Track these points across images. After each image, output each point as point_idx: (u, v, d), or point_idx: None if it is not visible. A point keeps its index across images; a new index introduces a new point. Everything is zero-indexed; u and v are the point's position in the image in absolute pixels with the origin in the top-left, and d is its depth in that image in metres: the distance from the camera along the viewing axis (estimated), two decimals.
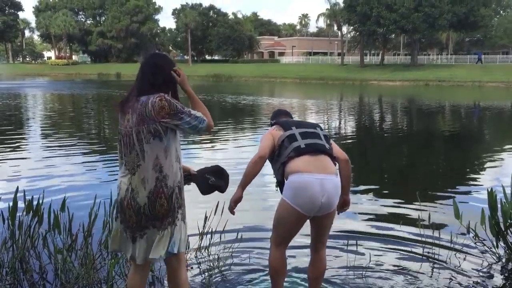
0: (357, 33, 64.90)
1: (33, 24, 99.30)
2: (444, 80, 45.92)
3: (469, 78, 45.77)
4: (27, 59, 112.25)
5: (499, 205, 4.41)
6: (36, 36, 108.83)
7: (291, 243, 3.53)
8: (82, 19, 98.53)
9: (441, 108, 25.25)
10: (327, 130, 13.03)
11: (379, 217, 6.05)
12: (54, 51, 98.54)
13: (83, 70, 79.80)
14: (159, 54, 3.10)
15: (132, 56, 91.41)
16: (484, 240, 4.64)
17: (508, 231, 4.39)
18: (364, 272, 4.31)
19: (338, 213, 3.61)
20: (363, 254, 4.74)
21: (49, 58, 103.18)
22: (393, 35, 64.98)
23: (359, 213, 6.18)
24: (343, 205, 3.61)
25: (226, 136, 13.60)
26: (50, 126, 16.47)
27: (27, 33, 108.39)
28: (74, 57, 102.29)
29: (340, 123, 18.40)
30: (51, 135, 14.06)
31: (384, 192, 7.49)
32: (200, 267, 4.39)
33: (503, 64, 54.51)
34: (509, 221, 4.32)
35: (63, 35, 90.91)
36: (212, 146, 11.88)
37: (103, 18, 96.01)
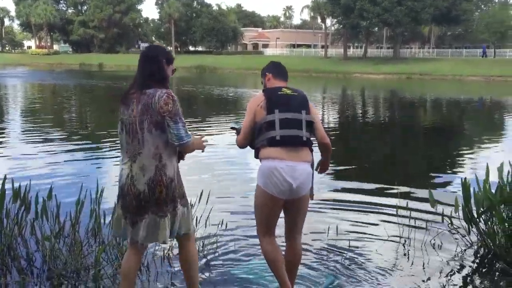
0: (341, 26, 65.19)
1: (13, 13, 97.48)
2: (426, 73, 46.50)
3: (451, 71, 46.43)
4: (7, 48, 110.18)
5: (472, 194, 4.61)
6: (16, 25, 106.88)
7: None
8: (63, 8, 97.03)
9: (423, 101, 25.64)
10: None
11: (357, 205, 6.26)
12: (35, 41, 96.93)
13: (65, 60, 78.73)
14: (155, 46, 3.23)
15: (115, 46, 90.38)
16: (458, 228, 4.84)
17: (481, 218, 4.60)
18: (342, 257, 4.49)
19: (319, 172, 3.70)
20: (341, 239, 4.93)
21: (29, 47, 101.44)
22: (376, 28, 65.42)
23: (339, 200, 6.38)
24: (322, 166, 3.66)
25: (212, 129, 13.69)
26: (33, 117, 16.34)
27: (6, 22, 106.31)
28: (55, 47, 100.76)
29: (323, 115, 18.60)
30: (35, 125, 13.98)
31: (364, 180, 7.70)
32: None
33: (484, 58, 55.34)
34: (481, 209, 4.52)
35: (44, 24, 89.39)
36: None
37: (85, 7, 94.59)
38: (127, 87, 3.15)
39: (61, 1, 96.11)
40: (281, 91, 3.46)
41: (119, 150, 3.22)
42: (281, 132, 3.30)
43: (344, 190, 7.04)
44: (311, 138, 3.41)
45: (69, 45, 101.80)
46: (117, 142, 11.03)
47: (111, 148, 9.88)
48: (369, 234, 5.16)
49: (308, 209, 3.58)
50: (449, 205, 5.06)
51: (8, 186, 4.33)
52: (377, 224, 5.47)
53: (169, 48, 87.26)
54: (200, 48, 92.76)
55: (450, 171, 8.75)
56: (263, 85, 3.66)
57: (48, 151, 9.59)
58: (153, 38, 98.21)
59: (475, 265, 4.46)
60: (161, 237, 3.06)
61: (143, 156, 3.00)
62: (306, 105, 3.43)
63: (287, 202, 3.37)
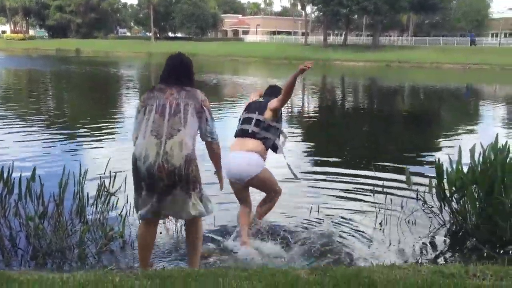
0: (321, 13, 65.25)
1: None
2: (405, 61, 46.98)
3: (428, 59, 46.99)
4: None
5: (445, 175, 4.80)
6: None
7: None
8: None
9: (401, 88, 26.01)
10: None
11: (336, 184, 6.50)
12: (10, 25, 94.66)
13: (41, 45, 77.10)
14: (187, 56, 3.63)
15: (92, 31, 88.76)
16: (432, 207, 5.04)
17: (453, 197, 4.79)
18: (321, 236, 4.65)
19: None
20: (321, 219, 5.10)
21: (3, 32, 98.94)
22: (356, 16, 65.67)
23: (319, 180, 6.56)
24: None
25: None
26: (12, 102, 16.09)
27: None
28: (31, 32, 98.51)
29: (303, 101, 18.75)
30: (14, 111, 13.79)
31: (342, 162, 7.90)
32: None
33: (460, 46, 56.12)
34: (453, 188, 4.72)
35: (19, 8, 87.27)
36: None
37: None
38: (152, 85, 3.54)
39: None
40: (257, 100, 4.62)
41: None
42: (240, 126, 4.46)
43: (322, 171, 7.20)
44: (263, 132, 4.32)
45: (45, 30, 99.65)
46: (97, 126, 11.17)
47: (92, 132, 9.87)
48: (346, 213, 5.35)
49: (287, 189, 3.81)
50: (424, 185, 5.25)
51: None
52: (354, 204, 5.67)
53: (147, 34, 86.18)
54: (179, 35, 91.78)
55: (426, 154, 8.99)
56: None
57: (29, 136, 9.53)
58: (132, 24, 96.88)
59: (447, 241, 4.68)
60: (185, 214, 3.33)
61: (184, 133, 3.27)
62: (262, 109, 4.39)
63: (247, 184, 4.37)
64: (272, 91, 4.74)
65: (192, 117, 3.33)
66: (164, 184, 3.22)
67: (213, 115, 3.47)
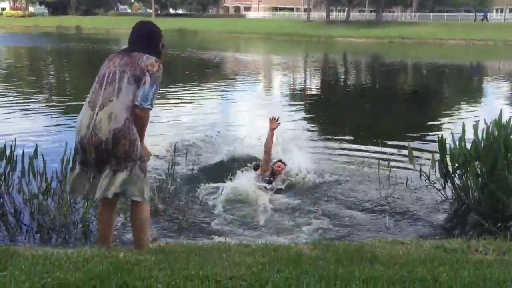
0: None
1: None
2: (408, 37, 46.49)
3: (432, 35, 46.48)
4: None
5: (448, 151, 4.79)
6: None
7: None
8: None
9: (404, 65, 25.80)
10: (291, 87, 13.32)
11: (339, 160, 6.54)
12: (9, 2, 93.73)
13: (41, 22, 76.34)
14: (145, 23, 3.33)
15: (92, 8, 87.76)
16: (434, 182, 5.04)
17: (456, 173, 4.79)
18: (321, 212, 4.67)
19: None
20: (329, 196, 5.12)
21: (3, 9, 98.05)
22: None
23: (325, 159, 6.56)
24: None
25: (194, 95, 13.67)
26: (12, 80, 16.03)
27: None
28: (31, 9, 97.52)
29: (305, 79, 18.64)
30: (15, 88, 13.75)
31: (345, 138, 7.90)
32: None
33: (463, 22, 55.45)
34: (456, 164, 4.71)
35: None
36: (181, 106, 11.97)
37: None
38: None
39: None
40: None
41: None
42: None
43: (327, 148, 7.20)
44: None
45: (45, 7, 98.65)
46: None
47: None
48: (349, 188, 5.37)
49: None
50: (427, 160, 5.25)
51: None
52: (357, 180, 5.67)
53: (148, 10, 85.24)
54: (180, 11, 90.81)
55: (430, 131, 8.97)
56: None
57: (31, 113, 9.53)
58: (132, 0, 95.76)
59: (450, 217, 4.70)
60: (107, 191, 3.01)
61: (114, 104, 2.96)
62: None
63: None
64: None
65: (129, 84, 2.99)
66: (93, 158, 3.00)
67: (157, 82, 3.02)
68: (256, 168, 5.80)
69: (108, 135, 2.93)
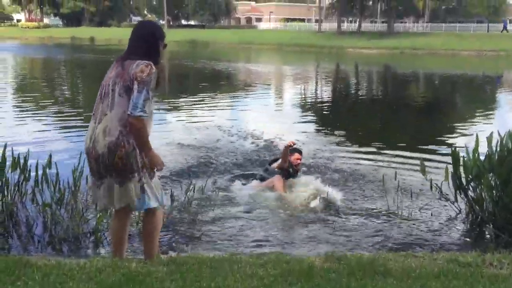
0: (335, 0, 64.57)
1: None
2: (419, 48, 46.35)
3: (444, 46, 46.30)
4: None
5: (461, 163, 4.74)
6: None
7: None
8: None
9: (416, 76, 25.70)
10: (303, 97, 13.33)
11: (350, 169, 6.49)
12: (24, 14, 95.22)
13: (55, 33, 77.48)
14: (146, 24, 3.30)
15: (106, 20, 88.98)
16: (447, 195, 4.98)
17: (469, 185, 4.73)
18: (333, 224, 4.64)
19: None
20: (339, 206, 5.09)
21: (18, 21, 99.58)
22: (371, 2, 64.84)
23: (337, 169, 6.54)
24: None
25: (208, 103, 13.73)
26: (27, 90, 16.25)
27: None
28: (45, 20, 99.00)
29: (318, 89, 18.65)
30: (30, 98, 13.94)
31: (358, 150, 7.87)
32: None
33: (476, 33, 55.19)
34: (469, 176, 4.66)
35: None
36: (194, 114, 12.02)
37: None
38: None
39: None
40: None
41: None
42: None
43: (335, 157, 7.18)
44: None
45: (59, 19, 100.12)
46: None
47: None
48: (360, 199, 5.33)
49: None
50: (439, 170, 5.21)
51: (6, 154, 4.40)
52: (369, 190, 5.64)
53: (161, 22, 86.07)
54: (192, 22, 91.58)
55: (442, 142, 8.90)
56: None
57: (46, 123, 9.64)
58: (145, 12, 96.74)
59: (463, 230, 4.64)
60: (111, 203, 3.06)
61: (109, 118, 2.98)
62: None
63: None
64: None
65: (120, 97, 2.97)
66: (96, 170, 3.04)
67: (147, 87, 2.93)
68: (272, 162, 6.00)
69: (104, 149, 2.97)
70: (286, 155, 5.78)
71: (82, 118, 10.48)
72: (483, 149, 4.71)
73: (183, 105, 12.65)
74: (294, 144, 5.87)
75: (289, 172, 5.78)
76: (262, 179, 5.78)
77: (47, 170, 4.43)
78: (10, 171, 4.42)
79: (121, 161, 2.95)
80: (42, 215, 4.35)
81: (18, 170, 4.46)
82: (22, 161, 4.46)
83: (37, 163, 4.45)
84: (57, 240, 4.07)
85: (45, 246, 4.07)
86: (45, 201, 4.31)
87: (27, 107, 11.93)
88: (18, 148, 4.72)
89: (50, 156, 4.55)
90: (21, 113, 10.98)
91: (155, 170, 3.10)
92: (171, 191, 5.07)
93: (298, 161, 5.89)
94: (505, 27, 54.82)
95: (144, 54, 3.05)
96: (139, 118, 2.90)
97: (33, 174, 4.46)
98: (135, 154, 2.98)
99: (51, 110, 11.47)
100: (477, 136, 4.86)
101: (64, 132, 8.84)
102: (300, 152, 6.04)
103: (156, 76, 3.02)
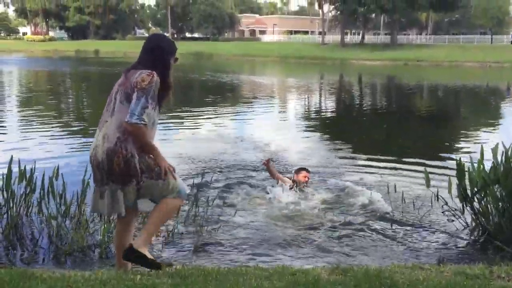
0: (338, 12, 64.91)
1: None
2: (423, 60, 46.49)
3: (447, 58, 46.42)
4: (1, 34, 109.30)
5: (466, 174, 4.72)
6: (11, 12, 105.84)
7: None
8: None
9: (420, 87, 25.73)
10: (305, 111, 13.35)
11: (356, 185, 6.41)
12: (30, 27, 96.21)
13: (61, 46, 78.13)
14: (155, 37, 3.33)
15: (111, 33, 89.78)
16: (453, 208, 4.96)
17: (475, 197, 4.71)
18: (338, 235, 4.62)
19: None
20: (344, 218, 5.07)
21: (24, 34, 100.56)
22: (374, 15, 65.14)
23: (341, 180, 6.51)
24: None
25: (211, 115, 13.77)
26: (33, 102, 16.33)
27: (1, 8, 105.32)
28: (51, 33, 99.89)
29: (322, 101, 18.69)
30: (36, 111, 14.01)
31: (362, 162, 7.84)
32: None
33: (479, 44, 55.30)
34: (475, 188, 4.63)
35: (39, 10, 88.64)
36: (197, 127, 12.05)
37: None
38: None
39: None
40: None
41: None
42: None
43: (339, 170, 7.16)
44: None
45: (64, 32, 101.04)
46: None
47: None
48: (365, 211, 5.30)
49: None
50: (443, 181, 5.19)
51: (13, 167, 4.41)
52: (374, 202, 5.60)
53: (165, 34, 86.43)
54: (196, 35, 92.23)
55: (446, 154, 8.87)
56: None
57: (52, 135, 9.68)
58: (150, 25, 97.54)
59: (470, 242, 4.60)
60: (117, 209, 3.07)
61: (108, 125, 3.06)
62: None
63: None
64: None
65: (121, 104, 3.04)
66: (97, 178, 3.10)
67: (147, 95, 2.97)
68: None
69: (103, 155, 3.03)
70: (272, 172, 5.96)
71: (89, 130, 10.53)
72: (488, 160, 4.69)
73: (189, 117, 12.68)
74: (269, 160, 6.05)
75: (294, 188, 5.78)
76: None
77: (54, 181, 4.43)
78: (16, 183, 4.44)
79: (118, 167, 2.99)
80: (47, 227, 4.35)
81: (24, 182, 4.48)
82: (28, 173, 4.48)
83: (43, 175, 4.45)
84: (62, 252, 4.06)
85: (50, 259, 4.07)
86: (51, 213, 4.31)
87: (33, 119, 11.98)
88: (24, 160, 4.72)
89: (56, 167, 4.55)
90: (27, 125, 11.04)
91: (163, 170, 3.08)
92: None
93: (306, 179, 5.87)
94: None
95: (151, 66, 3.10)
96: (135, 125, 2.94)
97: (39, 185, 4.47)
98: (132, 161, 3.01)
99: (57, 122, 11.54)
100: (482, 147, 4.84)
101: (71, 144, 8.87)
102: (307, 170, 6.03)
103: (158, 87, 3.04)
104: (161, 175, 3.08)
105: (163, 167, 3.09)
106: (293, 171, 6.18)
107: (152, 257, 3.16)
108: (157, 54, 3.15)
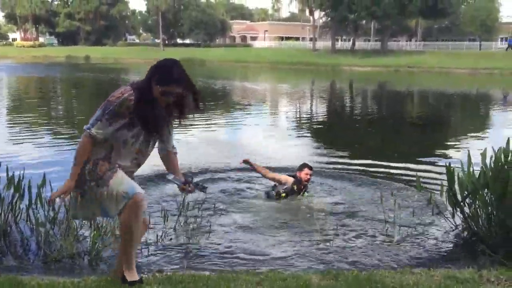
0: (328, 19, 65.29)
1: None
2: (414, 66, 46.85)
3: (438, 64, 46.81)
4: None
5: (456, 179, 4.75)
6: (0, 17, 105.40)
7: None
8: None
9: (410, 94, 25.90)
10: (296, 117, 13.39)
11: (346, 187, 6.49)
12: (20, 33, 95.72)
13: (51, 52, 77.77)
14: (159, 61, 3.17)
15: (101, 39, 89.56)
16: (443, 211, 4.98)
17: (465, 202, 4.73)
18: (331, 240, 4.62)
19: None
20: (335, 222, 5.07)
21: (14, 39, 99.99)
22: (364, 21, 65.59)
23: (329, 186, 6.52)
24: None
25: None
26: (22, 109, 16.23)
27: None
28: (41, 39, 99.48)
29: (315, 106, 18.74)
30: (24, 118, 13.92)
31: (354, 167, 7.86)
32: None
33: (469, 51, 55.84)
34: (465, 193, 4.66)
35: (29, 16, 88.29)
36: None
37: None
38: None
39: None
40: None
41: None
42: None
43: (331, 176, 7.17)
44: None
45: (54, 38, 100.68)
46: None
47: None
48: (356, 216, 5.32)
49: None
50: (435, 186, 5.22)
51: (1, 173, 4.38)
52: (364, 207, 5.63)
53: (156, 40, 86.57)
54: (188, 41, 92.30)
55: (438, 158, 8.93)
56: None
57: (40, 142, 9.60)
58: (141, 31, 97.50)
59: (460, 246, 4.63)
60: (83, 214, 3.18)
61: None
62: None
63: None
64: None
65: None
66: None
67: (108, 106, 2.94)
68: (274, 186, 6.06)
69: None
70: (258, 169, 6.00)
71: (78, 136, 10.47)
72: (477, 165, 4.72)
73: (188, 123, 12.65)
74: (247, 161, 6.07)
75: (293, 189, 5.75)
76: (268, 195, 5.82)
77: (42, 188, 4.39)
78: (5, 190, 4.39)
79: (85, 174, 3.03)
80: (36, 234, 4.30)
81: (12, 189, 4.43)
82: (16, 180, 4.44)
83: (29, 182, 4.41)
84: (51, 259, 4.02)
85: (38, 266, 4.02)
86: (39, 220, 4.27)
87: (22, 126, 11.90)
88: (12, 166, 4.67)
89: (44, 175, 4.51)
90: (16, 131, 10.95)
91: (54, 194, 3.06)
92: (165, 209, 5.03)
93: (308, 176, 5.83)
94: (510, 46, 55.12)
95: (139, 85, 3.03)
96: (84, 131, 2.99)
97: (27, 193, 4.42)
98: (87, 168, 3.03)
99: (47, 129, 11.46)
100: (469, 152, 4.86)
101: (59, 151, 8.80)
102: (310, 167, 5.98)
103: (127, 107, 2.94)
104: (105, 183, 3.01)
105: (58, 189, 3.04)
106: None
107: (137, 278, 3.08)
108: (147, 76, 3.04)
